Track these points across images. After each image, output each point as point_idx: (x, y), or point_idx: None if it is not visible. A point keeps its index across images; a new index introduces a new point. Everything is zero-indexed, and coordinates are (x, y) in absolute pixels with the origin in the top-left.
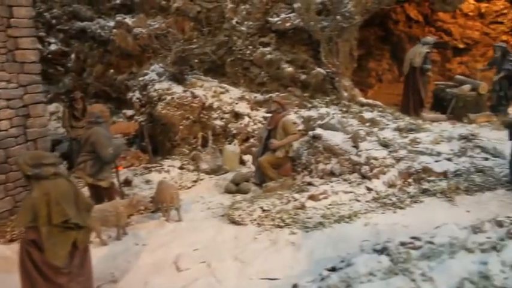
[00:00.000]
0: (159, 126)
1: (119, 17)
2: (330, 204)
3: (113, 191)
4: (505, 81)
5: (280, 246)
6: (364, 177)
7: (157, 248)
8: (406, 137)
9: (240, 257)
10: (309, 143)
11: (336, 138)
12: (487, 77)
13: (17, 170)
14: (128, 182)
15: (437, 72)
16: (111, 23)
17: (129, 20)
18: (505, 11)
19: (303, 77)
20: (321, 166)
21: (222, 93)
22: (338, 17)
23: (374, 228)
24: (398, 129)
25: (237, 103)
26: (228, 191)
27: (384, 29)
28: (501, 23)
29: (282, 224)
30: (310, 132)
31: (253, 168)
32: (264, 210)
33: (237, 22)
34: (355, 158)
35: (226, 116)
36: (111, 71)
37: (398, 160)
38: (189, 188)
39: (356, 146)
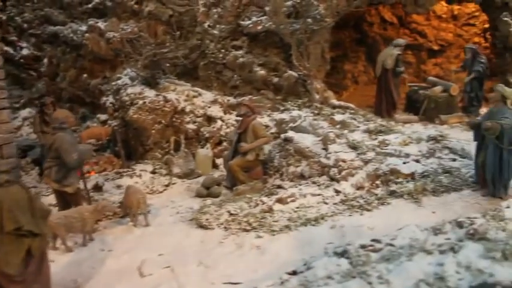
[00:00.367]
0: (131, 131)
1: (91, 21)
2: (297, 207)
3: (80, 197)
4: (475, 82)
5: (245, 250)
6: (332, 179)
7: (123, 254)
8: (375, 139)
9: (204, 261)
10: (281, 146)
11: (306, 141)
12: (461, 78)
13: None
14: (98, 187)
15: (412, 74)
16: (84, 27)
17: (101, 24)
18: (477, 14)
19: (275, 79)
20: (291, 169)
21: (194, 96)
22: (308, 20)
23: (340, 231)
24: (368, 131)
25: (209, 107)
26: (198, 195)
27: (359, 31)
28: (473, 25)
29: (248, 228)
30: (282, 135)
31: (225, 171)
32: (231, 214)
33: (209, 26)
34: (324, 161)
35: (199, 119)
36: (85, 75)
37: (367, 162)
38: (161, 192)
39: (326, 149)
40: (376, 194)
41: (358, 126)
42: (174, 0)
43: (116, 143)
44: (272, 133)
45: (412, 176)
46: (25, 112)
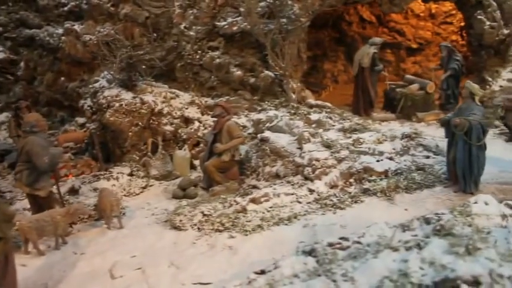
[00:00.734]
0: (109, 134)
1: (67, 24)
2: (270, 207)
3: (52, 200)
4: (451, 79)
5: (217, 251)
6: (306, 178)
7: (95, 256)
8: (349, 137)
9: (176, 262)
10: (258, 146)
11: (282, 141)
12: (440, 76)
13: None
14: (74, 191)
15: (392, 72)
16: (60, 30)
17: (77, 27)
18: (454, 12)
19: (252, 80)
20: (267, 169)
21: (172, 98)
22: (283, 20)
23: (312, 230)
24: (343, 130)
25: (187, 108)
26: (175, 197)
27: (338, 31)
28: (450, 23)
29: (221, 228)
30: (259, 135)
31: (202, 172)
32: (204, 215)
33: (185, 27)
34: (298, 160)
35: (176, 121)
36: (62, 78)
37: (340, 161)
38: (138, 194)
39: (301, 148)
40: (350, 193)
41: (333, 125)
42: (150, 2)
43: (93, 146)
44: (249, 133)
45: (385, 174)
46: (2, 116)
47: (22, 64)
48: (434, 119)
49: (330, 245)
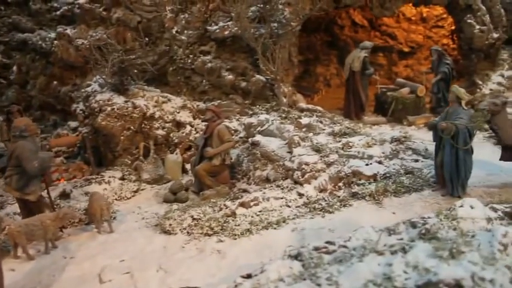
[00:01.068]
0: (101, 138)
1: (60, 29)
2: (260, 211)
3: (42, 205)
4: (442, 83)
5: (206, 255)
6: (296, 182)
7: (85, 261)
8: (339, 141)
9: (164, 266)
10: (249, 150)
11: (272, 145)
12: (431, 79)
13: None
14: (65, 195)
15: (384, 76)
16: (52, 35)
17: (70, 31)
18: (445, 16)
19: (244, 84)
20: (258, 173)
21: (164, 102)
22: (274, 24)
23: (300, 234)
24: (333, 134)
25: (178, 112)
26: (166, 201)
27: (330, 35)
28: (442, 27)
29: (210, 232)
30: (250, 139)
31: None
32: (194, 219)
33: (177, 31)
34: (288, 164)
35: (168, 125)
36: (55, 82)
37: (330, 165)
38: (129, 198)
39: (290, 152)
40: (339, 196)
41: (323, 129)
42: (142, 6)
43: (86, 150)
44: (241, 137)
45: (374, 178)
46: None
47: (15, 68)
48: (424, 122)
49: (316, 249)
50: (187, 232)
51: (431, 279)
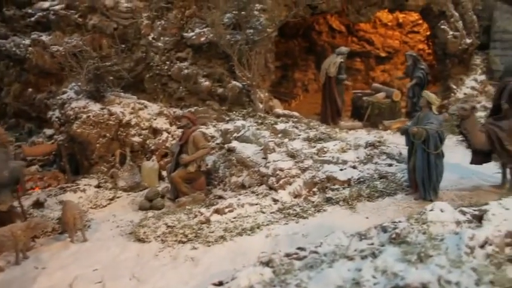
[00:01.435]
0: (76, 145)
1: (34, 35)
2: (234, 218)
3: (13, 215)
4: (417, 87)
5: (179, 262)
6: (271, 188)
7: (56, 271)
8: (314, 146)
9: (137, 275)
10: (225, 156)
11: (248, 151)
12: (406, 84)
13: None
14: (39, 204)
15: (361, 81)
16: (27, 41)
17: (45, 38)
18: (420, 21)
19: (220, 90)
20: (233, 179)
21: (140, 109)
22: (250, 31)
23: (274, 240)
24: (308, 139)
25: (155, 119)
26: (141, 208)
27: (308, 40)
28: (417, 32)
29: (184, 240)
30: (226, 146)
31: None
32: (168, 226)
33: (153, 38)
34: (263, 170)
35: (145, 132)
36: (30, 89)
37: (304, 170)
38: (105, 206)
39: (266, 158)
40: (313, 202)
41: (299, 135)
42: (118, 13)
43: (61, 158)
44: (218, 143)
45: (348, 183)
46: None
47: None
48: (399, 126)
49: (287, 255)
50: (162, 240)
51: (398, 283)
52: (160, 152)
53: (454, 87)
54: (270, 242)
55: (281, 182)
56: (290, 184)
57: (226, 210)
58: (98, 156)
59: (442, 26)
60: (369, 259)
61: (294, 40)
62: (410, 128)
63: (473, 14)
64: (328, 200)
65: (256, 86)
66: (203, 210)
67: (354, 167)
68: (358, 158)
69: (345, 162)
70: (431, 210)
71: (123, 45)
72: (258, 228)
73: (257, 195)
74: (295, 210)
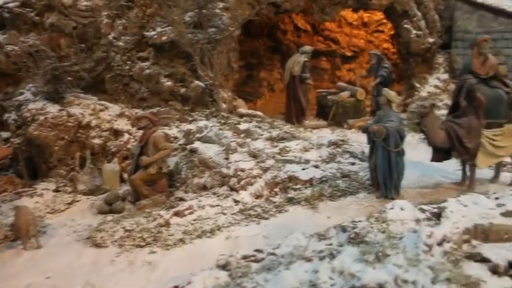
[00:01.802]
0: (34, 148)
1: None
2: (194, 220)
3: None
4: (381, 86)
5: (137, 267)
6: (232, 189)
7: (8, 279)
8: (276, 146)
9: (92, 281)
10: (187, 157)
11: (210, 151)
12: (370, 83)
13: None
14: None
15: (327, 80)
16: None
17: (0, 37)
18: (385, 21)
19: (183, 90)
20: (195, 180)
21: (101, 110)
22: (211, 30)
23: (234, 242)
24: (271, 139)
25: (116, 120)
26: (101, 212)
27: (274, 39)
28: (382, 31)
29: (142, 244)
30: (188, 146)
31: None
32: (126, 230)
33: (114, 37)
34: (225, 171)
35: (105, 133)
36: None
37: (266, 170)
38: (63, 211)
39: (227, 158)
40: (274, 202)
41: (261, 134)
42: (77, 12)
43: (18, 162)
44: (180, 144)
45: (310, 182)
46: None
47: None
48: (362, 125)
49: (244, 257)
50: (119, 244)
51: (355, 284)
52: (121, 154)
53: (418, 85)
54: (229, 244)
55: (242, 182)
56: (251, 185)
57: (187, 212)
58: (57, 160)
59: (405, 25)
60: (327, 260)
61: (260, 39)
62: (371, 126)
63: (435, 14)
64: (290, 200)
65: (219, 86)
66: (163, 213)
67: (316, 166)
68: (320, 157)
69: (307, 161)
70: (391, 208)
71: (83, 45)
72: (218, 230)
73: (218, 196)
74: (256, 211)
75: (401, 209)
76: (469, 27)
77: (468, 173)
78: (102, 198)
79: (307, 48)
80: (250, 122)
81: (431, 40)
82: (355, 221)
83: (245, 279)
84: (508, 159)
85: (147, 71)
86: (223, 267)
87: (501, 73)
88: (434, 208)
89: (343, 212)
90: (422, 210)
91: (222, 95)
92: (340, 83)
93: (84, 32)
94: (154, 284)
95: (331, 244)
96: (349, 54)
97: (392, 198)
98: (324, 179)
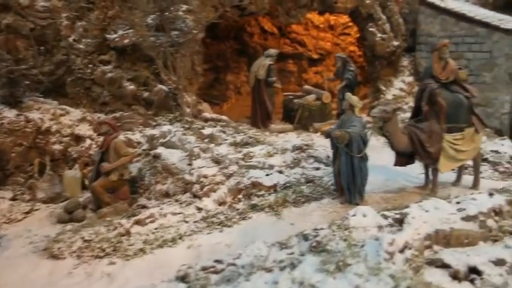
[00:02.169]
0: None
1: None
2: (156, 228)
3: None
4: (346, 89)
5: (95, 279)
6: (195, 196)
7: None
8: (240, 151)
9: None
10: (150, 163)
11: (173, 157)
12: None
13: None
14: None
15: (294, 83)
16: None
17: None
18: (351, 24)
19: (146, 94)
20: (158, 187)
21: (61, 115)
22: (175, 33)
23: (196, 251)
24: (235, 144)
25: (77, 125)
26: (60, 221)
27: (240, 42)
28: (348, 34)
29: (101, 254)
30: (151, 152)
31: None
32: (85, 241)
33: (74, 40)
34: (187, 177)
35: (66, 139)
36: None
37: (229, 176)
38: (20, 220)
39: (191, 164)
40: (238, 209)
41: (226, 139)
42: (35, 13)
43: None
44: (144, 150)
45: (274, 188)
46: None
47: None
48: (325, 130)
49: (204, 268)
50: (77, 256)
51: None
52: (83, 160)
53: (384, 88)
54: (191, 253)
55: (205, 189)
56: (214, 191)
57: (148, 220)
58: (14, 166)
59: (371, 29)
60: (287, 270)
61: (226, 42)
62: (333, 131)
63: (399, 17)
64: (254, 207)
65: (183, 90)
66: (124, 221)
67: (281, 172)
68: (285, 162)
69: (271, 167)
70: (353, 215)
71: (42, 47)
72: (180, 238)
73: (181, 203)
74: (219, 218)
75: (364, 216)
76: (432, 31)
77: (431, 177)
78: (63, 207)
79: (272, 51)
80: (215, 126)
81: (396, 43)
82: (317, 229)
83: None
84: (469, 163)
85: (109, 75)
86: (182, 279)
87: (461, 78)
88: (396, 214)
89: (307, 218)
90: (385, 217)
91: (186, 99)
92: (307, 86)
93: (42, 33)
94: None
95: (292, 253)
96: (315, 56)
97: (357, 204)
98: (288, 184)
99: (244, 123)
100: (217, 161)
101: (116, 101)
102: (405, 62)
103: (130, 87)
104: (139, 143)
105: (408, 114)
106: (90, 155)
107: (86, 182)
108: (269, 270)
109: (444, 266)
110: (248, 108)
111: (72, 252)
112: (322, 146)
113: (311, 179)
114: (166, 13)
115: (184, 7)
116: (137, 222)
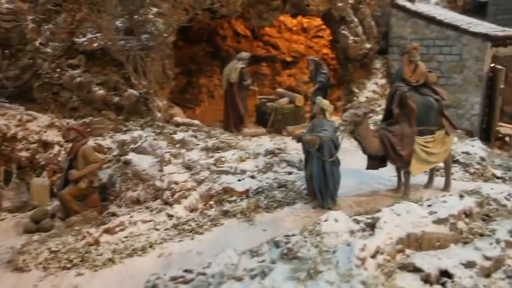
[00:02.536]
0: None
1: None
2: (125, 237)
3: None
4: (319, 92)
5: None
6: (166, 203)
7: None
8: (212, 156)
9: None
10: (121, 169)
11: (144, 163)
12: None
13: None
14: None
15: (268, 86)
16: None
17: None
18: (324, 26)
19: (116, 99)
20: (129, 194)
21: (28, 121)
22: (144, 36)
23: (167, 259)
24: (206, 149)
25: (45, 131)
26: (26, 231)
27: (213, 45)
28: (321, 37)
29: (69, 265)
30: (122, 158)
31: None
32: (51, 252)
33: (40, 43)
34: (158, 184)
35: (34, 146)
36: None
37: (200, 182)
38: None
39: (161, 170)
40: (209, 216)
41: (197, 144)
42: None
43: None
44: (114, 155)
45: (246, 194)
46: None
47: None
48: (296, 134)
49: (173, 279)
50: (43, 267)
51: None
52: (51, 167)
53: (357, 90)
54: (162, 262)
55: (176, 196)
56: (186, 198)
57: (117, 229)
58: None
59: (343, 31)
60: (258, 279)
61: (199, 45)
62: (304, 135)
63: (372, 20)
64: (225, 213)
65: (154, 94)
66: (92, 230)
67: (253, 177)
68: (257, 167)
69: (243, 172)
70: (325, 220)
71: (6, 51)
72: (150, 247)
73: (151, 210)
74: (190, 225)
75: (336, 221)
76: (404, 34)
77: (403, 180)
78: (29, 216)
79: (244, 54)
80: (187, 131)
81: (368, 46)
82: (288, 235)
83: None
84: (441, 164)
85: (78, 79)
86: None
87: (431, 80)
88: (368, 219)
89: (279, 224)
90: (357, 221)
91: (157, 104)
92: (280, 90)
93: (7, 37)
94: None
95: (263, 261)
96: (289, 59)
97: (329, 208)
98: (260, 189)
99: (217, 127)
100: (188, 167)
101: (86, 106)
102: (378, 64)
103: (100, 91)
104: (109, 148)
105: (381, 117)
106: (58, 162)
107: (55, 190)
108: (239, 279)
109: (416, 270)
110: (221, 112)
111: (38, 264)
112: (295, 149)
113: (283, 183)
114: (136, 16)
115: (155, 10)
116: (106, 231)
